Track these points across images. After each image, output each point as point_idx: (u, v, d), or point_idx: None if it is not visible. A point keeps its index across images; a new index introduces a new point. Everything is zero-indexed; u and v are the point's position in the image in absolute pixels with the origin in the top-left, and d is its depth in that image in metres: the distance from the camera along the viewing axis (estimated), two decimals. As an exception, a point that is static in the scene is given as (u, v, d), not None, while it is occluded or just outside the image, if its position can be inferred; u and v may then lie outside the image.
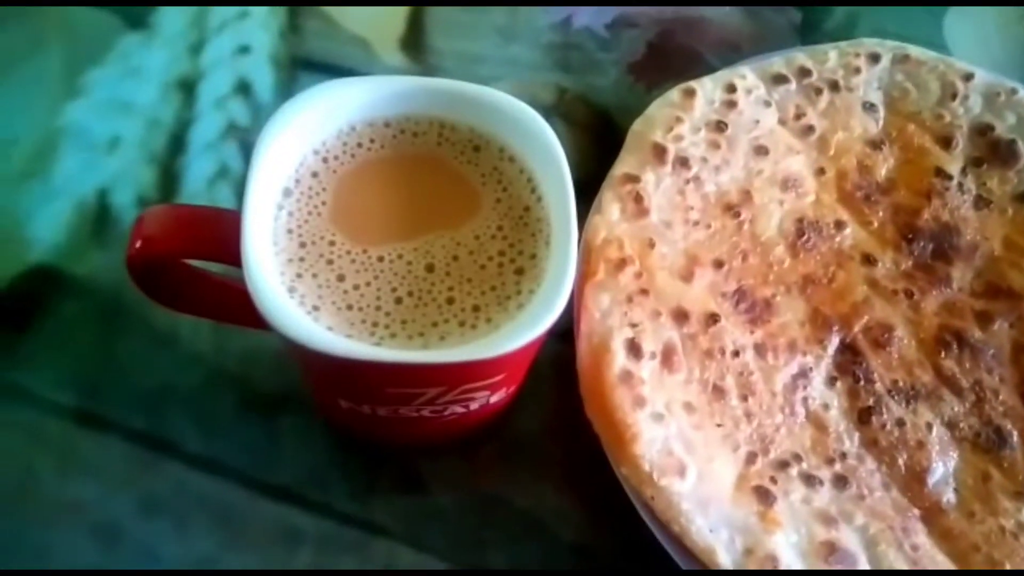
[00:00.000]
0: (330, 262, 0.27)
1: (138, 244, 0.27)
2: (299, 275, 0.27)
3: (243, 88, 0.44)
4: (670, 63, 0.48)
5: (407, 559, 0.36)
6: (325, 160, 0.29)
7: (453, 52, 0.47)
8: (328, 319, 0.26)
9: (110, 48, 0.45)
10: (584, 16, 0.49)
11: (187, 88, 0.44)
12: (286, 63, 0.46)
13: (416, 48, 0.47)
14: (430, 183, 0.29)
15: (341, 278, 0.27)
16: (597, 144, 0.46)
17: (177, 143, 0.43)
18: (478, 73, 0.47)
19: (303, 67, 0.46)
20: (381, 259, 0.27)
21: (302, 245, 0.27)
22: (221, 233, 0.27)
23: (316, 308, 0.26)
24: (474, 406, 0.31)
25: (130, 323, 0.39)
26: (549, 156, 0.28)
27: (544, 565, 0.37)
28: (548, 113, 0.46)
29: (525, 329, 0.25)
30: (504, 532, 0.37)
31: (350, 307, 0.26)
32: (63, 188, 0.41)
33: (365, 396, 0.29)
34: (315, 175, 0.28)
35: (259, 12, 0.47)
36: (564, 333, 0.37)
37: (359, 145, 0.29)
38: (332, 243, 0.27)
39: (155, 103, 0.44)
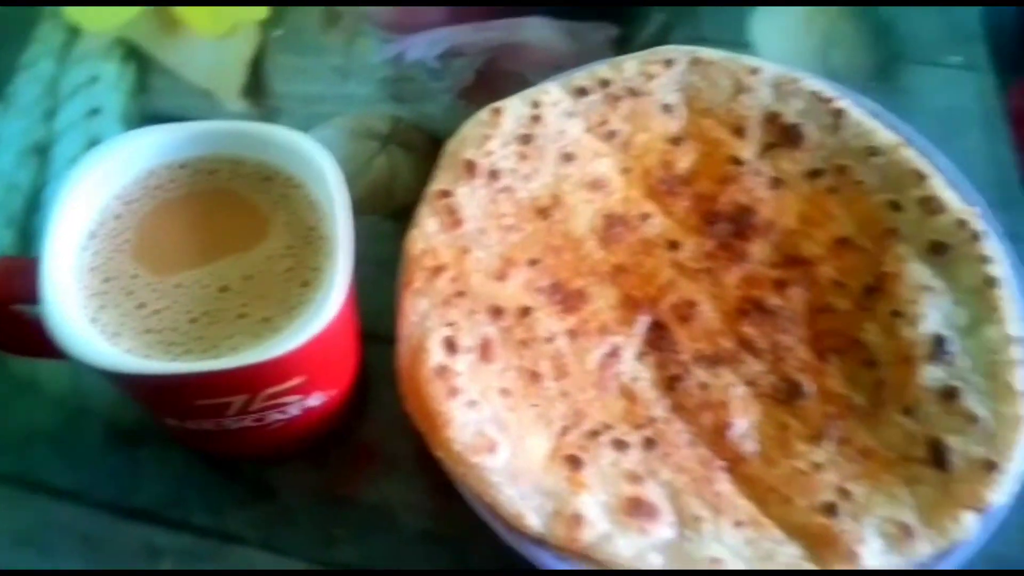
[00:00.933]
0: (131, 293, 0.31)
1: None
2: (102, 307, 0.30)
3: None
4: (497, 86, 0.52)
5: (263, 562, 0.39)
6: (127, 203, 0.32)
7: (292, 95, 0.51)
8: (127, 343, 0.30)
9: (-32, 121, 0.49)
10: (416, 50, 0.53)
11: (42, 152, 0.48)
12: (136, 120, 0.49)
13: (257, 94, 0.51)
14: (225, 214, 0.33)
15: (141, 306, 0.30)
16: (431, 166, 0.49)
17: (33, 204, 0.46)
18: (317, 111, 0.51)
19: (152, 123, 0.49)
20: (179, 286, 0.31)
21: (105, 280, 0.31)
22: (34, 279, 0.30)
23: (117, 334, 0.30)
24: (294, 411, 0.34)
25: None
26: (327, 180, 0.32)
27: (394, 554, 0.40)
28: (385, 141, 0.50)
29: (298, 332, 0.29)
30: (353, 528, 0.40)
31: (148, 331, 0.30)
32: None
33: (181, 412, 0.32)
34: (118, 217, 0.32)
35: (109, 75, 0.51)
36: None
37: (158, 187, 0.33)
38: (134, 276, 0.31)
39: (12, 169, 0.47)
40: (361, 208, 0.48)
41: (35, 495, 0.39)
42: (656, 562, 0.36)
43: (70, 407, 0.41)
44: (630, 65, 0.48)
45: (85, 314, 0.30)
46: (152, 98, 0.50)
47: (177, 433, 0.37)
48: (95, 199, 0.32)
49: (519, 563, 0.37)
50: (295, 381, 0.32)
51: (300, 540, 0.40)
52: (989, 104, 0.55)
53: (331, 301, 0.29)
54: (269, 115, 0.50)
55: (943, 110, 0.55)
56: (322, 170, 0.32)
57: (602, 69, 0.48)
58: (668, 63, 0.48)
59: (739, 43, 0.55)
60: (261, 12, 0.53)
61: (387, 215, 0.48)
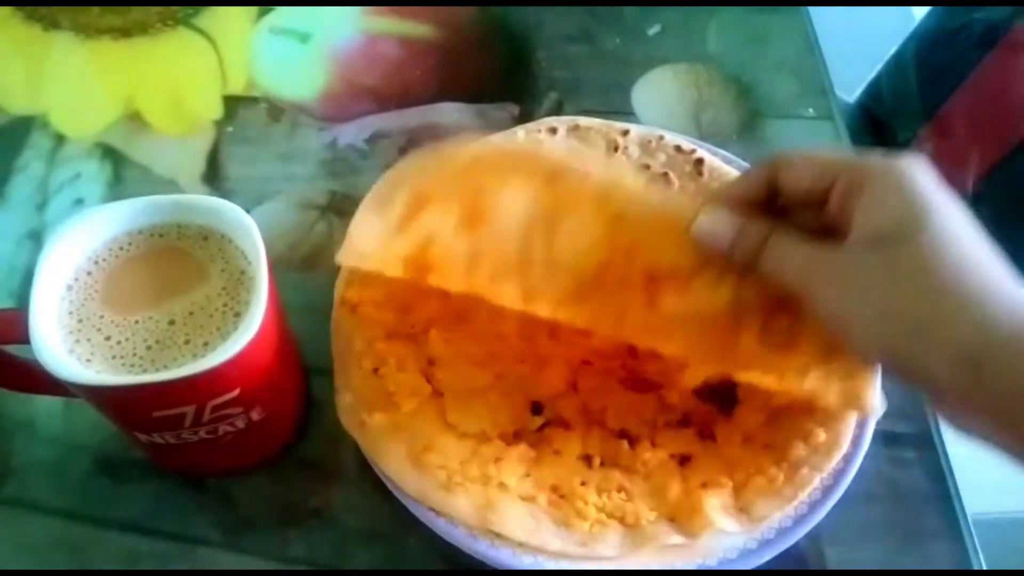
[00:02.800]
0: (100, 329, 0.39)
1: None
2: (77, 341, 0.39)
3: (78, 231, 0.57)
4: (417, 160, 0.62)
5: (228, 561, 0.47)
6: (97, 263, 0.41)
7: (244, 178, 0.61)
8: (97, 366, 0.38)
9: (-29, 217, 0.58)
10: (347, 135, 0.63)
11: (36, 238, 0.57)
12: (113, 207, 0.59)
13: (215, 179, 0.61)
14: (173, 265, 0.41)
15: (108, 338, 0.39)
16: (363, 228, 0.58)
17: (30, 281, 0.55)
18: (265, 190, 0.60)
19: (126, 208, 0.59)
20: (137, 322, 0.39)
21: (80, 321, 0.39)
22: (25, 324, 0.38)
23: (89, 360, 0.38)
24: (240, 424, 0.42)
25: (-5, 418, 0.50)
26: (252, 236, 0.41)
27: (338, 550, 0.47)
28: (323, 211, 0.60)
29: (226, 349, 0.37)
30: (302, 528, 0.48)
31: (114, 357, 0.38)
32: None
33: (146, 425, 0.40)
34: (90, 274, 0.41)
35: (90, 172, 0.61)
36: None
37: (121, 249, 0.42)
38: (102, 317, 0.40)
39: (11, 254, 0.56)
40: (305, 266, 0.57)
41: (34, 514, 0.47)
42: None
43: (63, 443, 0.49)
44: (520, 134, 0.58)
45: (65, 347, 0.38)
46: (126, 188, 0.60)
47: (150, 453, 0.45)
48: (71, 260, 0.40)
49: (447, 553, 0.45)
50: (233, 393, 0.40)
51: (259, 541, 0.47)
52: (841, 147, 0.65)
53: (253, 325, 0.38)
54: (225, 195, 0.59)
55: (801, 155, 0.64)
56: (248, 228, 0.41)
57: (497, 138, 0.58)
58: (552, 130, 0.58)
59: (623, 112, 0.65)
60: (216, 113, 0.63)
61: (328, 271, 0.57)
